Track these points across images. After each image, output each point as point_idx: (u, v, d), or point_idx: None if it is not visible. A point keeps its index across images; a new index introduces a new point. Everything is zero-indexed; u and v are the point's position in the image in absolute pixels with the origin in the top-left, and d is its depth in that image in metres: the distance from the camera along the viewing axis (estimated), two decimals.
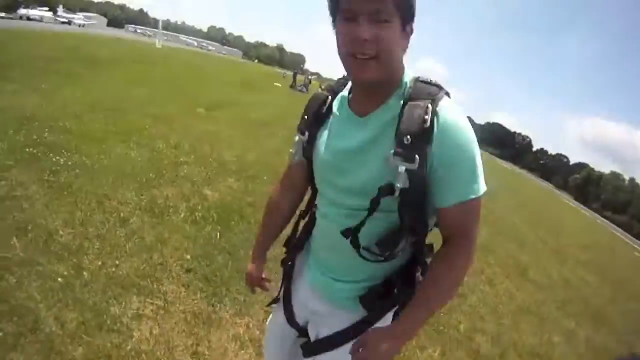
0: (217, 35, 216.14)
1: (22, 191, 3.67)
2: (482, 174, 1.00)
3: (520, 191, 23.22)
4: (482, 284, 5.02)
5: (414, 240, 1.07)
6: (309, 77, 37.01)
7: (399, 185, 0.94)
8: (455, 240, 1.05)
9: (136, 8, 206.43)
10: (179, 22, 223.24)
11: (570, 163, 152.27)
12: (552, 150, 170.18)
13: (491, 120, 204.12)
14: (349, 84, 1.15)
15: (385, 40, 0.93)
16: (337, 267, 1.18)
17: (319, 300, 1.23)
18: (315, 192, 1.28)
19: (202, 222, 3.88)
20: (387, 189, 0.96)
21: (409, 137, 0.93)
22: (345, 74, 1.08)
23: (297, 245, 1.34)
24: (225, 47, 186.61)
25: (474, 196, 0.99)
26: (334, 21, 1.02)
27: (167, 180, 4.64)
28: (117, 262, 2.97)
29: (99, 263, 2.91)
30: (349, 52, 0.97)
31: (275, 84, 29.82)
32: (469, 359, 3.38)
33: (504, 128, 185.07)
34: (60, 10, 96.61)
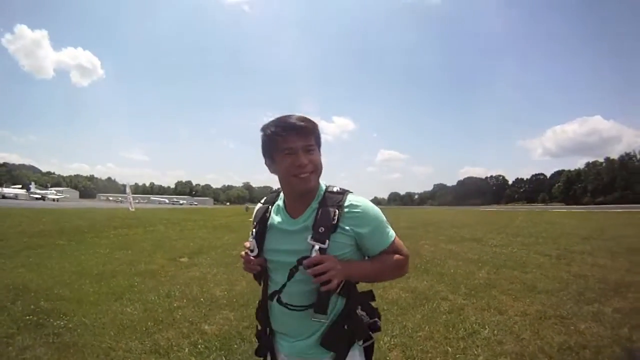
0: (185, 189, 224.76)
1: (30, 353, 4.05)
2: (389, 226, 1.66)
3: (507, 225, 23.60)
4: (492, 316, 5.23)
5: (342, 287, 1.56)
6: None
7: (314, 253, 1.48)
8: (391, 255, 1.68)
9: (104, 177, 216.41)
10: (147, 185, 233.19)
11: (548, 176, 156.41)
12: (526, 176, 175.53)
13: (461, 177, 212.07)
14: (281, 195, 1.72)
15: (315, 160, 1.55)
16: (293, 329, 1.63)
17: None
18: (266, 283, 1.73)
19: (206, 352, 4.18)
20: (303, 258, 1.49)
21: (321, 228, 1.52)
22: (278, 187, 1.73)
23: (265, 333, 1.75)
24: (196, 197, 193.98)
25: (389, 242, 1.64)
26: (270, 157, 1.60)
27: (165, 325, 4.97)
28: None
29: None
30: (293, 174, 1.53)
31: (249, 219, 31.10)
32: None
33: (476, 178, 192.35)
34: (32, 187, 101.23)
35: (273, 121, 1.56)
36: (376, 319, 1.66)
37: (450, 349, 4.16)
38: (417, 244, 12.85)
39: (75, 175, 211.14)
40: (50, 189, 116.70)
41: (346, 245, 1.57)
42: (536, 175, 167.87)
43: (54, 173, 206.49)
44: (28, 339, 4.43)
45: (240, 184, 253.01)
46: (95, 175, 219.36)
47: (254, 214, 1.76)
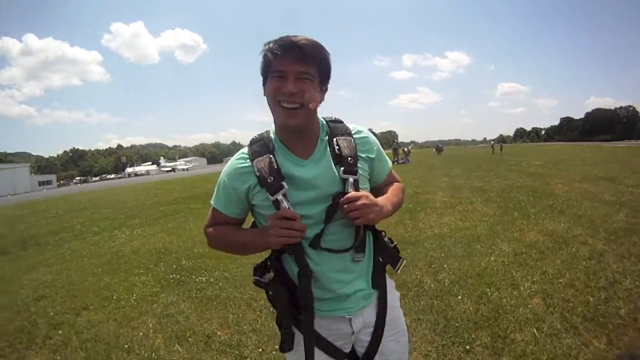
0: None
1: (175, 308, 4.56)
2: None
3: None
4: (632, 265, 4.86)
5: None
6: (407, 148, 41.57)
7: (351, 190, 1.45)
8: (395, 183, 1.78)
9: (228, 142, 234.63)
10: None
11: None
12: None
13: (589, 109, 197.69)
14: (271, 135, 1.56)
15: (307, 92, 1.40)
16: (349, 281, 1.54)
17: (356, 319, 1.58)
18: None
19: None
20: (340, 195, 1.44)
21: (350, 159, 1.49)
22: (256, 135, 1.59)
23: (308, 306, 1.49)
24: None
25: (390, 165, 1.73)
26: (265, 81, 1.47)
27: None
28: (276, 347, 3.40)
29: (259, 350, 3.47)
30: (278, 102, 1.41)
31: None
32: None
33: (604, 110, 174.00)
34: (162, 161, 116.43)
35: (276, 38, 1.43)
36: (395, 242, 1.67)
37: (591, 299, 3.99)
38: (551, 183, 12.73)
39: (200, 144, 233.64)
40: (178, 160, 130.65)
41: (366, 174, 1.58)
42: None
43: (179, 146, 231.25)
44: (172, 295, 4.98)
45: None
46: (220, 142, 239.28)
47: (261, 168, 1.47)
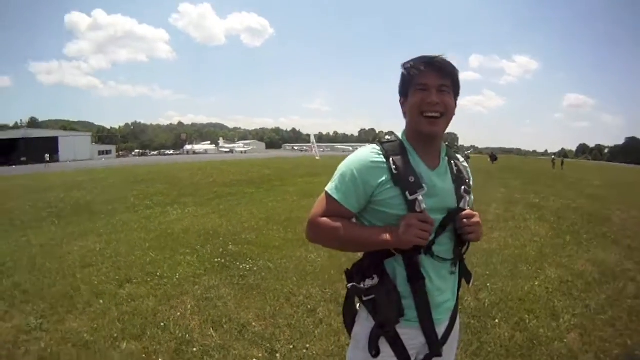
0: (368, 137, 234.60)
1: (215, 293, 4.71)
2: None
3: None
4: None
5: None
6: (466, 153, 40.62)
7: (467, 207, 1.65)
8: None
9: (289, 129, 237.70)
10: (330, 133, 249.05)
11: None
12: None
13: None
14: (404, 143, 1.67)
15: (447, 103, 1.60)
16: (445, 290, 1.67)
17: (438, 329, 1.66)
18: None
19: None
20: (458, 210, 1.63)
21: (468, 180, 1.73)
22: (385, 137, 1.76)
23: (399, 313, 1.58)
24: None
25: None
26: (404, 95, 1.67)
27: None
28: (307, 346, 3.54)
29: (291, 347, 3.53)
30: (421, 112, 1.59)
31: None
32: None
33: None
34: (221, 142, 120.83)
35: (414, 58, 1.64)
36: None
37: (629, 342, 3.88)
38: (609, 208, 12.20)
39: (260, 128, 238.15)
40: (237, 142, 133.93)
41: None
42: None
43: (240, 128, 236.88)
44: (214, 279, 5.15)
45: None
46: (281, 127, 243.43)
47: (401, 168, 1.57)
